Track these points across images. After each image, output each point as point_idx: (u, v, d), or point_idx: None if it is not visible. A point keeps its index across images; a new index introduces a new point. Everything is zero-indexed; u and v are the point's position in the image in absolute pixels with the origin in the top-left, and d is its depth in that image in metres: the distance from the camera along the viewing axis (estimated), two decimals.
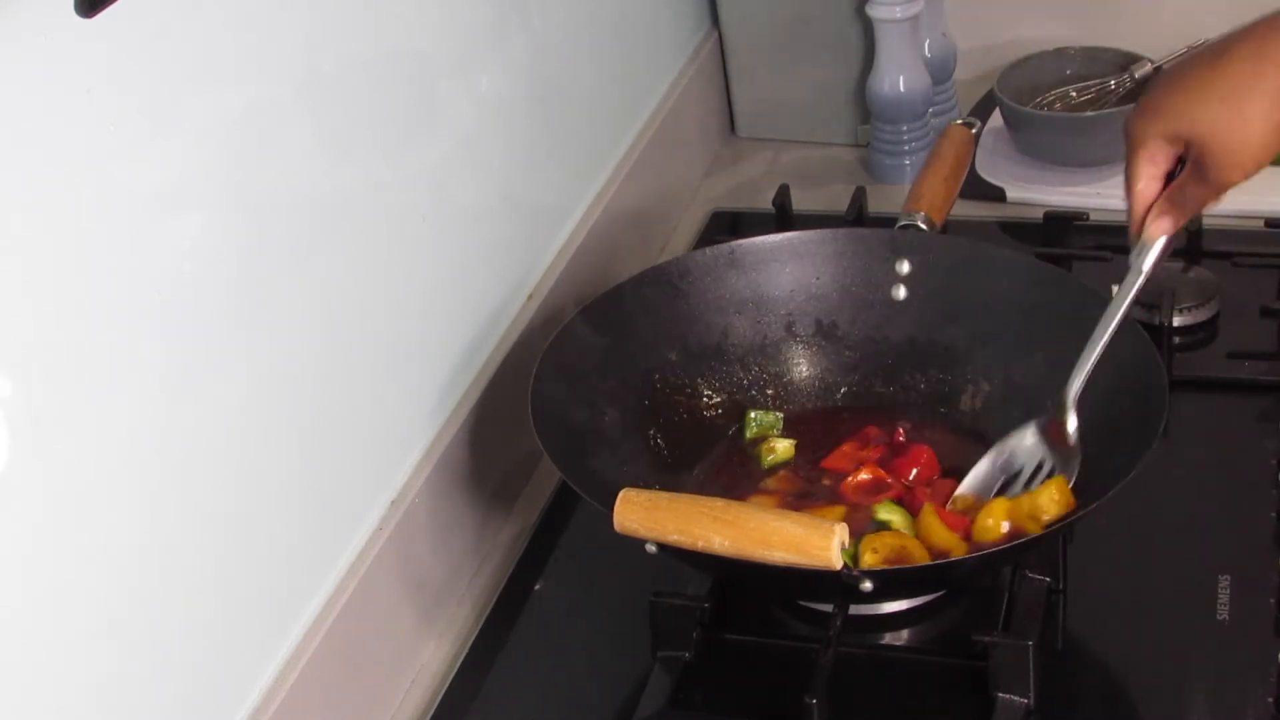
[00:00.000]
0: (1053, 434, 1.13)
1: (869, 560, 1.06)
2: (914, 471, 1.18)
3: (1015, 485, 1.13)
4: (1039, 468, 1.13)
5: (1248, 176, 0.99)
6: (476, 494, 1.26)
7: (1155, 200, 1.04)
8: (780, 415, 1.27)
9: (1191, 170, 1.01)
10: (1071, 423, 1.11)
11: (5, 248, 0.81)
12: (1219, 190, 1.01)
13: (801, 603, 1.13)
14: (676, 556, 1.02)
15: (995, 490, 1.14)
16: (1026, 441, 1.14)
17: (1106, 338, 1.10)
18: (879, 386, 1.28)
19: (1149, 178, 1.03)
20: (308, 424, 1.07)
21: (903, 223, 1.29)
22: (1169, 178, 1.04)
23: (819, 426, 1.26)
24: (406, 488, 1.18)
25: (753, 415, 1.26)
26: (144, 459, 0.91)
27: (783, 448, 1.23)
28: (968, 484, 1.15)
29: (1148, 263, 1.06)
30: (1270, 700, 1.03)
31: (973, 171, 1.44)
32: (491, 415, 1.27)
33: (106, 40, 0.85)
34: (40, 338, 0.83)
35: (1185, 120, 0.98)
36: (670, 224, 1.65)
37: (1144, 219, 1.04)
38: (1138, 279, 1.07)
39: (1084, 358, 1.11)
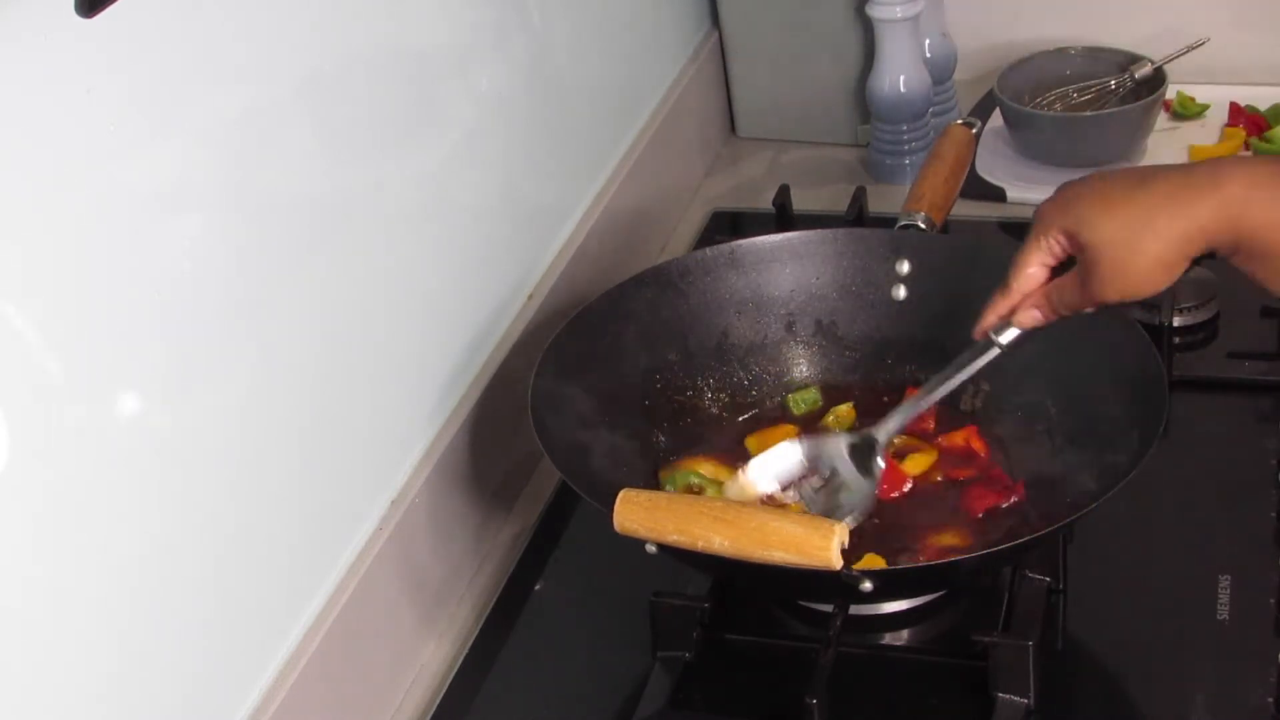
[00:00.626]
0: (858, 459, 1.13)
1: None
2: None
3: (804, 484, 1.14)
4: (832, 475, 1.14)
5: (1122, 299, 1.00)
6: (476, 494, 1.26)
7: (1034, 290, 1.04)
8: (815, 388, 1.28)
9: (1075, 274, 1.02)
10: (878, 466, 1.12)
11: (5, 247, 0.81)
12: (1093, 302, 1.01)
13: (801, 603, 1.13)
14: (676, 556, 1.02)
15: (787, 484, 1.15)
16: (837, 448, 1.14)
17: (933, 398, 1.11)
18: (879, 386, 1.28)
19: (1039, 264, 1.03)
20: (308, 424, 1.07)
21: (903, 223, 1.29)
22: (1056, 270, 1.04)
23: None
24: (406, 488, 1.18)
25: (791, 398, 1.27)
26: (144, 459, 0.91)
27: (844, 410, 1.26)
28: (762, 467, 1.15)
29: (1006, 338, 1.06)
30: (1270, 700, 1.03)
31: (973, 171, 1.44)
32: (491, 415, 1.27)
33: (106, 40, 0.85)
34: (40, 338, 0.83)
35: (1086, 226, 0.99)
36: (670, 224, 1.65)
37: (1017, 305, 1.05)
38: (993, 352, 1.07)
39: (901, 411, 1.13)
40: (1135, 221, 0.97)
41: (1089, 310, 1.02)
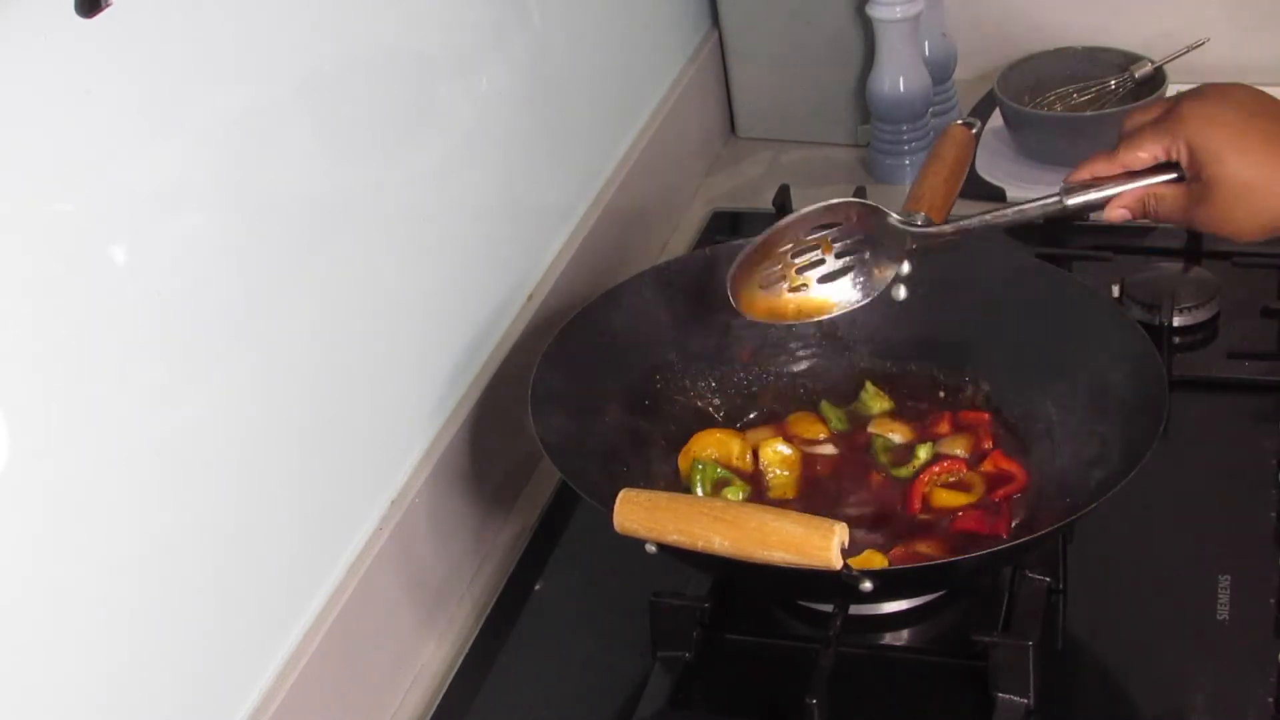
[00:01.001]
0: (894, 245, 1.12)
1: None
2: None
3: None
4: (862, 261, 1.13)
5: (1222, 236, 0.99)
6: (476, 494, 1.26)
7: (1134, 190, 1.02)
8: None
9: (1185, 193, 1.00)
10: (907, 264, 1.12)
11: (5, 248, 0.81)
12: (1190, 225, 1.00)
13: (801, 603, 1.13)
14: (676, 556, 1.02)
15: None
16: (880, 239, 1.12)
17: (987, 222, 1.10)
18: (880, 386, 1.28)
19: (1150, 153, 1.02)
20: (308, 424, 1.07)
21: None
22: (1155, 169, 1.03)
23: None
24: (406, 488, 1.18)
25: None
26: (144, 459, 0.91)
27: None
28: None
29: (1074, 201, 1.05)
30: (1270, 700, 1.03)
31: (973, 171, 1.44)
32: (491, 415, 1.27)
33: (106, 40, 0.85)
34: (40, 338, 0.83)
35: (1214, 158, 0.96)
36: (670, 224, 1.65)
37: (1111, 177, 1.03)
38: (1057, 208, 1.05)
39: (953, 226, 1.12)
40: (1264, 175, 0.95)
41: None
